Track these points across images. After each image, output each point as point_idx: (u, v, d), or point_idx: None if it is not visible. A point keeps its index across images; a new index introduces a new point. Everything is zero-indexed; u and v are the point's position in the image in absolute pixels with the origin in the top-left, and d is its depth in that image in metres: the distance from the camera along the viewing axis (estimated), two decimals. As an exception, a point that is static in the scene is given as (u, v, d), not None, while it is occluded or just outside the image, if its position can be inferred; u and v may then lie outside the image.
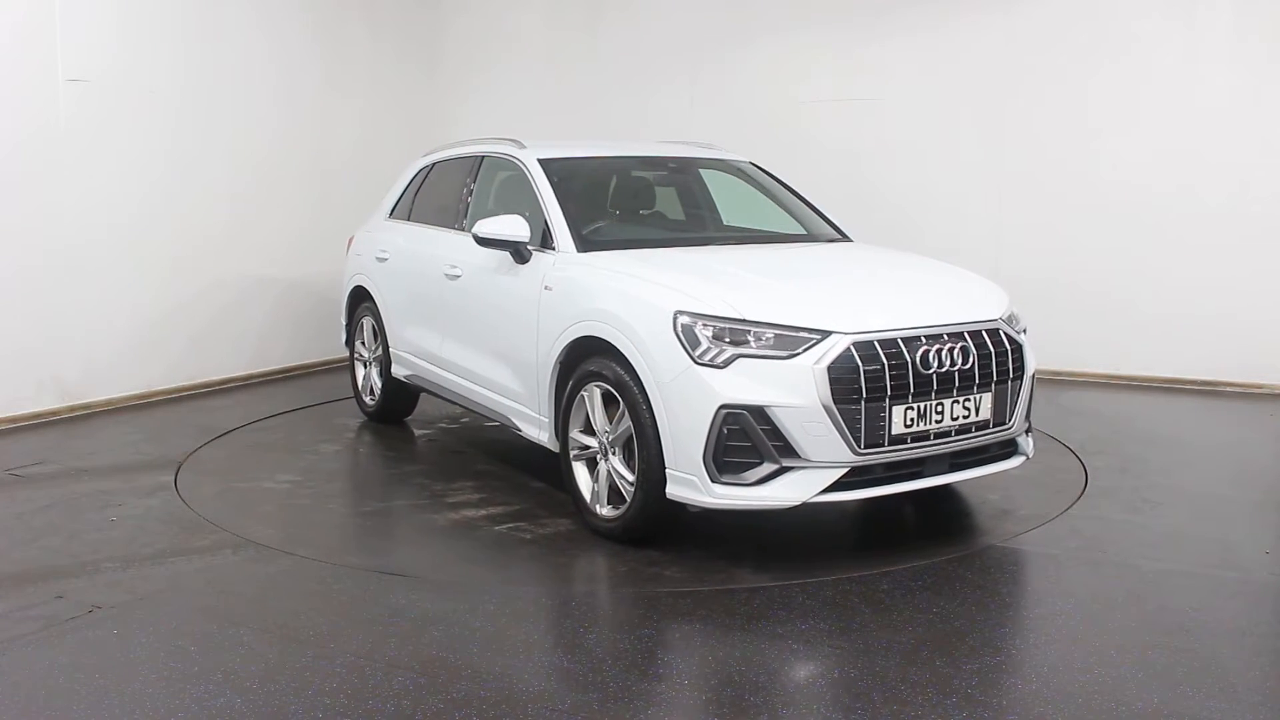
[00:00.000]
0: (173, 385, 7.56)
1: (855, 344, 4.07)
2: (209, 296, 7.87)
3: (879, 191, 8.49)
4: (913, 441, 4.17)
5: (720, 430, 4.03)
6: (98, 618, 3.74)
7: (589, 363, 4.55)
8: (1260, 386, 7.46)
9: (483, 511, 5.00)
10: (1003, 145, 8.19)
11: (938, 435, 4.23)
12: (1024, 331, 4.70)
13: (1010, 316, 4.64)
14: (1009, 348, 4.44)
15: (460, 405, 5.92)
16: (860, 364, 4.04)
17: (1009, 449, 4.62)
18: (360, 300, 6.84)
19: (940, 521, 4.83)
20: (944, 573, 4.16)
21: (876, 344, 4.10)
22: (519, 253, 5.11)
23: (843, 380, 4.02)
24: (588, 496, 4.62)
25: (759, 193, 6.02)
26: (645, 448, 4.25)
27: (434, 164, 6.60)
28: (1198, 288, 7.62)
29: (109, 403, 7.13)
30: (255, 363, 8.23)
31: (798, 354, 4.04)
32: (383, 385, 6.62)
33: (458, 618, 3.74)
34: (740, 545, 4.51)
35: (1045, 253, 8.09)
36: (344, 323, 7.11)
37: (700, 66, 9.13)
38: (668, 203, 6.04)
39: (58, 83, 6.74)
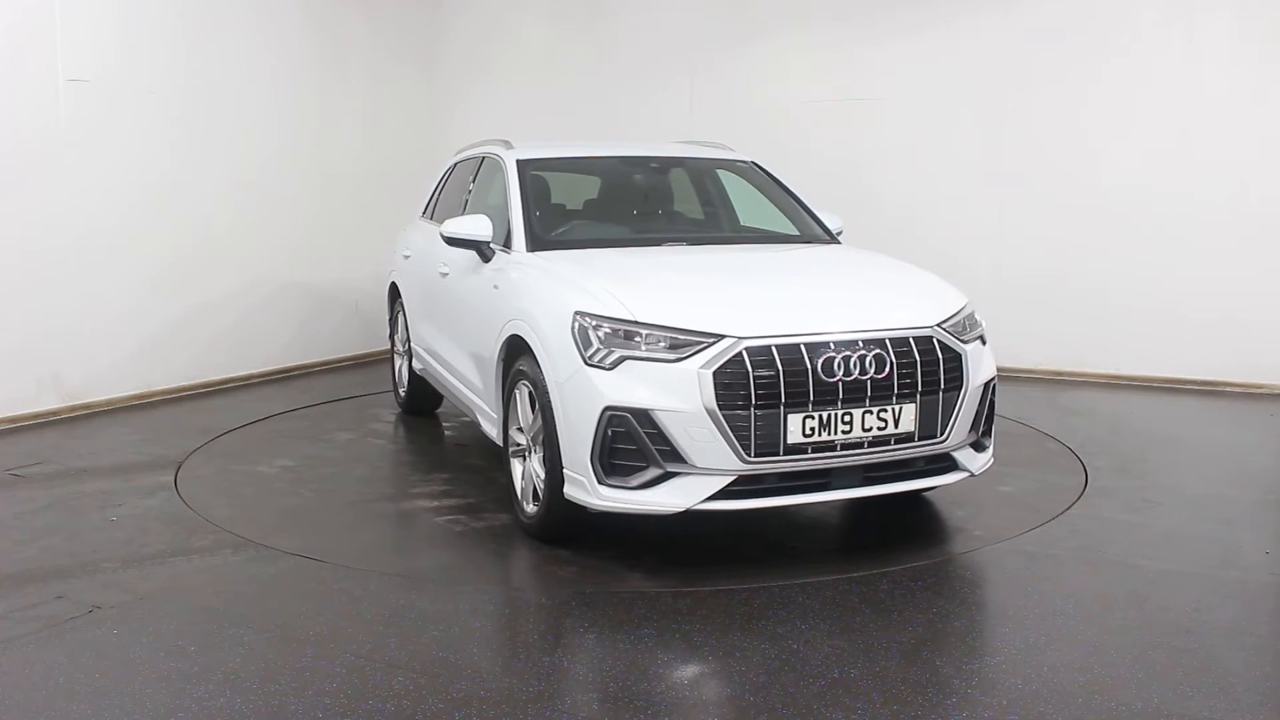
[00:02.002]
0: (173, 385, 7.56)
1: (748, 349, 3.93)
2: (210, 296, 7.86)
3: (879, 192, 8.49)
4: (814, 452, 3.99)
5: (605, 432, 3.98)
6: (98, 618, 3.74)
7: (519, 361, 4.57)
8: (1260, 386, 7.46)
9: (435, 503, 5.10)
10: (1003, 145, 8.19)
11: (846, 446, 4.03)
12: (978, 340, 4.46)
13: (961, 323, 4.39)
14: (941, 356, 4.18)
15: (449, 399, 6.02)
16: (751, 369, 3.91)
17: (945, 464, 4.35)
18: (396, 296, 7.12)
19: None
20: (944, 573, 4.17)
21: (774, 349, 3.95)
22: (482, 252, 5.20)
23: (731, 385, 3.90)
24: (519, 493, 4.66)
25: (754, 192, 5.96)
26: (550, 447, 4.25)
27: (456, 164, 6.74)
28: (1198, 288, 7.62)
29: (109, 403, 7.13)
30: (256, 363, 8.23)
31: (685, 357, 3.94)
32: (408, 378, 6.83)
33: (458, 618, 3.74)
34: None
35: (1046, 253, 8.09)
36: (387, 317, 7.41)
37: (700, 66, 9.13)
38: (647, 202, 6.01)
39: (58, 83, 6.73)
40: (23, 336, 6.63)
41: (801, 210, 5.75)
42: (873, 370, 4.03)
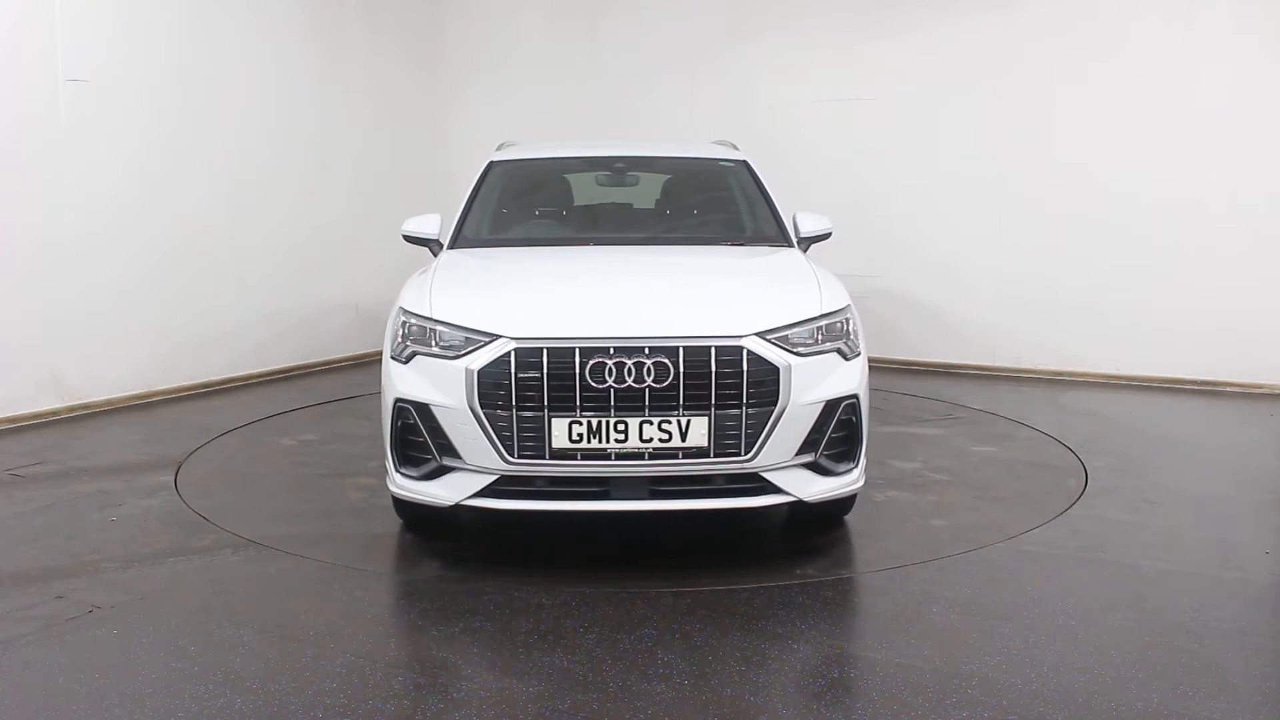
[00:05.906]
0: (173, 385, 7.56)
1: (518, 349, 3.92)
2: (210, 296, 7.87)
3: (878, 192, 8.49)
4: (585, 459, 3.91)
5: (396, 422, 4.17)
6: (98, 618, 3.74)
7: None
8: (1260, 386, 7.47)
9: (368, 480, 5.42)
10: (1003, 145, 8.19)
11: (623, 456, 3.89)
12: (834, 353, 4.11)
13: (810, 333, 4.07)
14: (748, 369, 3.89)
15: None
16: (515, 370, 3.90)
17: (756, 485, 4.03)
18: None
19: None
20: (944, 573, 4.16)
21: (545, 351, 3.89)
22: (431, 248, 5.35)
23: (494, 385, 3.92)
24: None
25: (727, 191, 5.77)
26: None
27: None
28: (1198, 288, 7.63)
29: (109, 403, 7.13)
30: (256, 363, 8.24)
31: (462, 355, 4.01)
32: None
33: (457, 617, 3.74)
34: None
35: (1045, 252, 8.10)
36: None
37: (700, 66, 9.14)
38: (600, 202, 5.98)
39: (57, 82, 6.74)
40: (23, 336, 6.64)
41: (769, 212, 5.50)
42: (651, 379, 3.86)
